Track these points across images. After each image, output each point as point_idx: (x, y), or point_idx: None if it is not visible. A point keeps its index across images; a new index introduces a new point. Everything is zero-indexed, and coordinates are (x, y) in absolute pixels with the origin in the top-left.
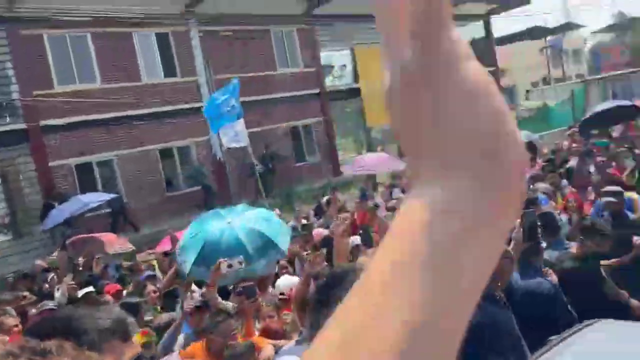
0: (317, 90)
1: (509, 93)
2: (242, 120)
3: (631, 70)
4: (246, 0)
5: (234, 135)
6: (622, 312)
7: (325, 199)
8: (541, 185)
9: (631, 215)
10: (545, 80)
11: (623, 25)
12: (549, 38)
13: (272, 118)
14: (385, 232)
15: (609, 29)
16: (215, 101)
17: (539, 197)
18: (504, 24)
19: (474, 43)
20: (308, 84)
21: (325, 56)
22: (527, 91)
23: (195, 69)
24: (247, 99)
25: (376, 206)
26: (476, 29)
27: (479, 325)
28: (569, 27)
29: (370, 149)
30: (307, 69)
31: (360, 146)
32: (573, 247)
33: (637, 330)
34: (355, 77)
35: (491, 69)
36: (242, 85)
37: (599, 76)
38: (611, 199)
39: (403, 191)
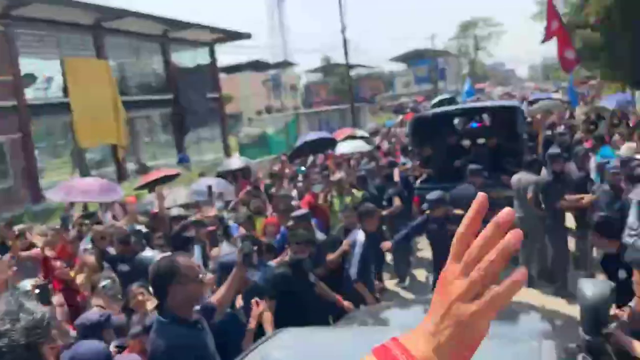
0: (13, 103)
1: (235, 119)
2: None
3: (333, 107)
4: None
5: None
6: None
7: None
8: (238, 215)
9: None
10: (267, 110)
11: (328, 68)
12: (270, 72)
13: None
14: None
15: (318, 70)
16: None
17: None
18: (230, 55)
19: (199, 69)
20: (1, 95)
21: (27, 64)
22: (249, 119)
23: None
24: None
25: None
26: (202, 55)
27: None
28: (286, 64)
29: (85, 172)
30: (1, 77)
31: (71, 169)
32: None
33: (321, 335)
34: (65, 91)
35: (215, 95)
36: None
37: (308, 110)
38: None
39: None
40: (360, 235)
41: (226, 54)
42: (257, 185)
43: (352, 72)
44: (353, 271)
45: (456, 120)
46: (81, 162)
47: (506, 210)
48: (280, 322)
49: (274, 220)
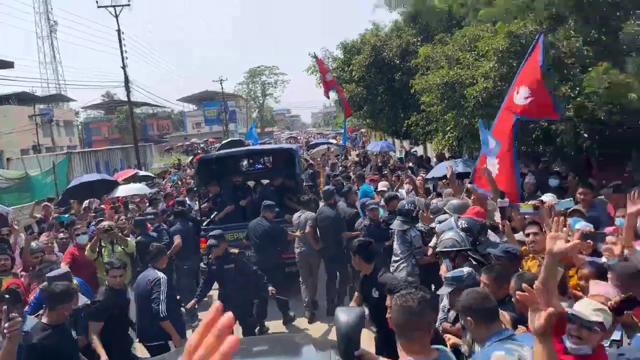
0: None
1: None
2: None
3: (116, 147)
4: None
5: None
6: None
7: None
8: None
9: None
10: (36, 148)
11: (111, 105)
12: (39, 106)
13: None
14: None
15: (100, 106)
16: None
17: None
18: None
19: None
20: None
21: None
22: (8, 159)
23: None
24: None
25: None
26: None
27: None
28: (58, 98)
29: None
30: None
31: None
32: None
33: None
34: None
35: None
36: None
37: (85, 149)
38: None
39: None
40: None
41: None
42: (2, 238)
43: (138, 110)
44: (162, 308)
45: (243, 162)
46: None
47: (226, 316)
48: None
49: (19, 282)
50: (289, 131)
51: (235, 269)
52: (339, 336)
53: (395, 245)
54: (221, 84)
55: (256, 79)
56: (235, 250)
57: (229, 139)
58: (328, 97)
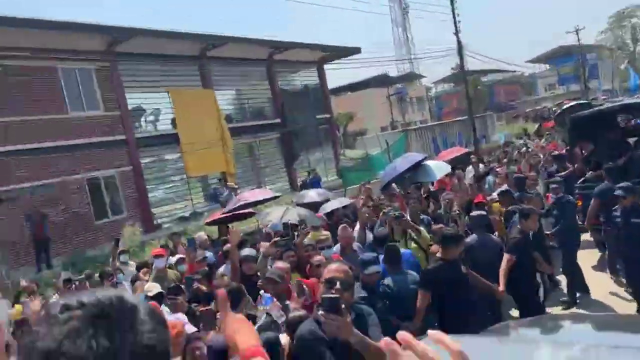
0: (122, 137)
1: (356, 137)
2: None
3: (453, 120)
4: (26, 33)
5: None
6: None
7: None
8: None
9: None
10: (393, 125)
11: (459, 76)
12: (397, 86)
13: (64, 170)
14: None
15: (447, 79)
16: None
17: None
18: (354, 71)
19: (306, 90)
20: (111, 129)
21: (134, 98)
22: (354, 138)
23: None
24: (26, 146)
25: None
26: (309, 76)
27: None
28: (412, 77)
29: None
30: (109, 112)
31: (179, 197)
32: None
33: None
34: (173, 123)
35: (326, 115)
36: (20, 131)
37: (421, 126)
38: None
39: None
40: None
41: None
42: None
43: (485, 78)
44: None
45: (620, 117)
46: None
47: None
48: None
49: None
50: None
51: None
52: None
53: None
54: (577, 34)
55: (624, 22)
56: None
57: (573, 102)
58: None
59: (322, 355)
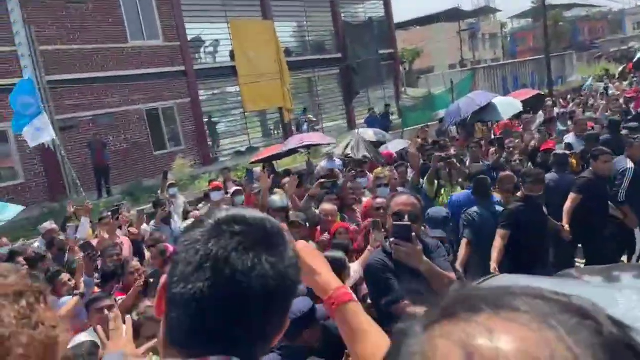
0: (182, 68)
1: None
2: (42, 116)
3: (529, 58)
4: None
5: (36, 131)
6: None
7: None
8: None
9: None
10: (462, 63)
11: (539, 10)
12: (469, 21)
13: (123, 99)
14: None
15: (526, 14)
16: (14, 104)
17: None
18: (425, 3)
19: (370, 23)
20: (171, 60)
21: (193, 29)
22: (418, 77)
23: (12, 38)
24: (86, 75)
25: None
26: (375, 9)
27: None
28: (487, 11)
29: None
30: (169, 42)
31: (238, 131)
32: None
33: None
34: (232, 55)
35: (389, 51)
36: (81, 59)
37: (495, 64)
38: None
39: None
40: None
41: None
42: None
43: (569, 13)
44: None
45: None
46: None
47: None
48: None
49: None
50: None
51: None
52: None
53: None
54: None
55: None
56: None
57: None
58: None
59: (389, 284)
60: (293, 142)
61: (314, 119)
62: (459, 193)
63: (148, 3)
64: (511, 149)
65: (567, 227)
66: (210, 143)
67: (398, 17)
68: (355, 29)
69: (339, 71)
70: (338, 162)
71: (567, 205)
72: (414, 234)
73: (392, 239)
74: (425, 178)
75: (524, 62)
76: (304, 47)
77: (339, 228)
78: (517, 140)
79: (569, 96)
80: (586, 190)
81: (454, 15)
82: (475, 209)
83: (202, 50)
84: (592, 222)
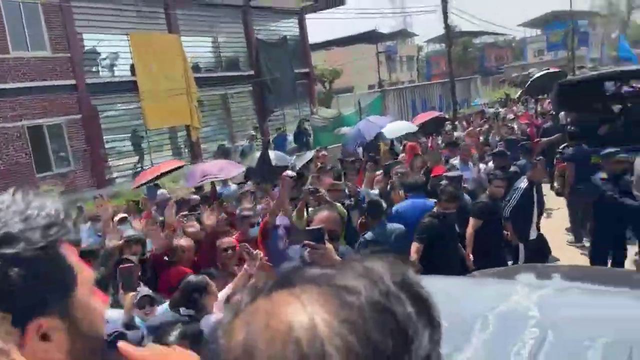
0: (72, 82)
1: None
2: None
3: (437, 82)
4: None
5: None
6: None
7: None
8: None
9: None
10: (380, 85)
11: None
12: (387, 43)
13: (1, 115)
14: None
15: (440, 38)
16: None
17: None
18: (345, 25)
19: (284, 41)
20: (59, 73)
21: (89, 40)
22: (331, 98)
23: None
24: None
25: None
26: (290, 27)
27: None
28: (402, 34)
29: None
30: (58, 54)
31: (137, 150)
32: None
33: None
34: (132, 69)
35: (304, 70)
36: None
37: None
38: None
39: None
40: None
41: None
42: None
43: (477, 40)
44: None
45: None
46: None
47: None
48: None
49: None
50: None
51: None
52: None
53: None
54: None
55: None
56: None
57: (544, 71)
58: None
59: None
60: (196, 176)
61: (254, 133)
62: (404, 203)
63: (34, 10)
64: (399, 174)
65: (469, 255)
66: (109, 164)
67: (318, 37)
68: (270, 46)
69: (252, 88)
70: (233, 187)
71: (469, 231)
72: (326, 236)
73: (305, 241)
74: (295, 212)
75: (431, 85)
76: (217, 63)
77: None
78: (403, 169)
79: (471, 118)
80: (482, 214)
81: (372, 37)
82: (370, 233)
83: (98, 63)
84: (488, 243)
